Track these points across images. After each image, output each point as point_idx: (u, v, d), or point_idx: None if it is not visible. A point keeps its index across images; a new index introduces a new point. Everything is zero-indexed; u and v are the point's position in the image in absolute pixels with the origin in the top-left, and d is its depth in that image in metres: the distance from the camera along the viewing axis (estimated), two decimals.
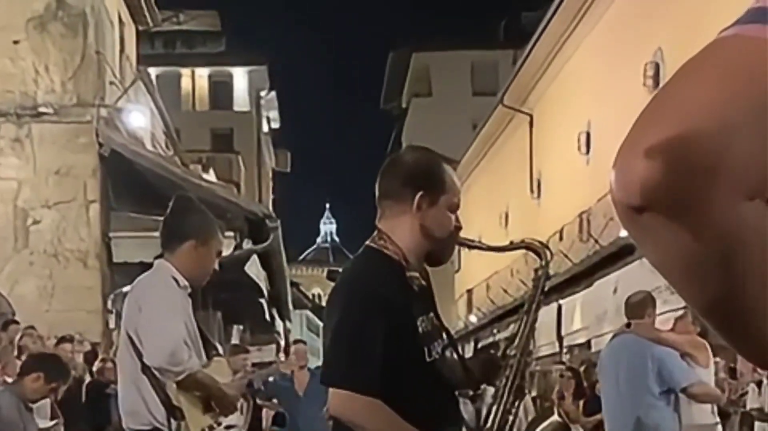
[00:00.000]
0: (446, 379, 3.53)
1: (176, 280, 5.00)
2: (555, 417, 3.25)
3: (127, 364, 5.01)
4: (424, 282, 3.56)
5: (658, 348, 7.67)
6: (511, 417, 3.55)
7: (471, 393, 10.91)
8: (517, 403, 3.56)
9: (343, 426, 3.32)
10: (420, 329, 3.41)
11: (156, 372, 4.82)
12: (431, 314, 3.51)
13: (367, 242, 3.52)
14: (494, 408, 3.54)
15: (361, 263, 3.52)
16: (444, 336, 3.56)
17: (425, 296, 3.55)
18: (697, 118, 0.92)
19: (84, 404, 9.92)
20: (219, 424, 5.14)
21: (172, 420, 4.87)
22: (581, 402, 11.63)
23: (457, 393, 3.70)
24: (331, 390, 3.31)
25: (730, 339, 1.01)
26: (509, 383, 3.55)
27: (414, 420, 3.29)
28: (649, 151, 0.93)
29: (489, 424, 3.52)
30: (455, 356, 3.69)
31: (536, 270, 3.67)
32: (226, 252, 13.17)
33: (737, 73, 0.95)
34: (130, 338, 4.92)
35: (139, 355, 4.85)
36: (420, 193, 3.43)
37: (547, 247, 3.74)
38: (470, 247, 3.74)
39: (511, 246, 3.72)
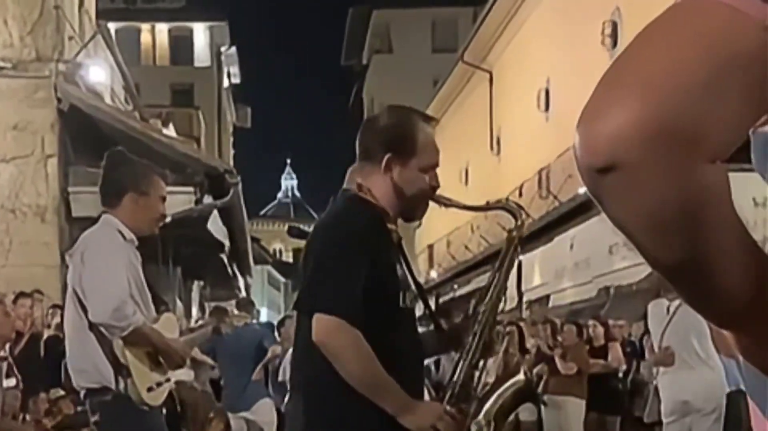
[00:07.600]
0: (415, 332, 3.60)
1: (122, 234, 4.96)
2: (520, 376, 3.28)
3: (74, 321, 4.96)
4: (400, 236, 3.63)
5: None
6: (476, 373, 3.59)
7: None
8: (483, 360, 3.61)
9: (316, 358, 3.31)
10: (398, 272, 3.51)
11: (102, 329, 4.78)
12: (404, 266, 3.59)
13: (347, 190, 3.59)
14: (460, 363, 3.58)
15: (345, 204, 3.57)
16: (414, 288, 3.62)
17: (401, 248, 3.62)
18: (662, 83, 0.93)
19: (42, 359, 9.91)
20: (168, 380, 5.12)
21: (120, 379, 4.84)
22: (528, 356, 11.73)
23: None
24: (316, 316, 3.30)
25: (691, 298, 1.04)
26: (476, 339, 3.59)
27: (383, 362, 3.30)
28: (614, 114, 0.94)
29: (454, 379, 3.56)
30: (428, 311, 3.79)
31: (510, 231, 3.70)
32: (185, 207, 13.23)
33: (699, 38, 0.96)
34: (76, 294, 4.87)
35: (86, 312, 4.80)
36: (389, 155, 3.50)
37: (523, 208, 3.77)
38: (447, 205, 3.79)
39: (488, 206, 3.80)
